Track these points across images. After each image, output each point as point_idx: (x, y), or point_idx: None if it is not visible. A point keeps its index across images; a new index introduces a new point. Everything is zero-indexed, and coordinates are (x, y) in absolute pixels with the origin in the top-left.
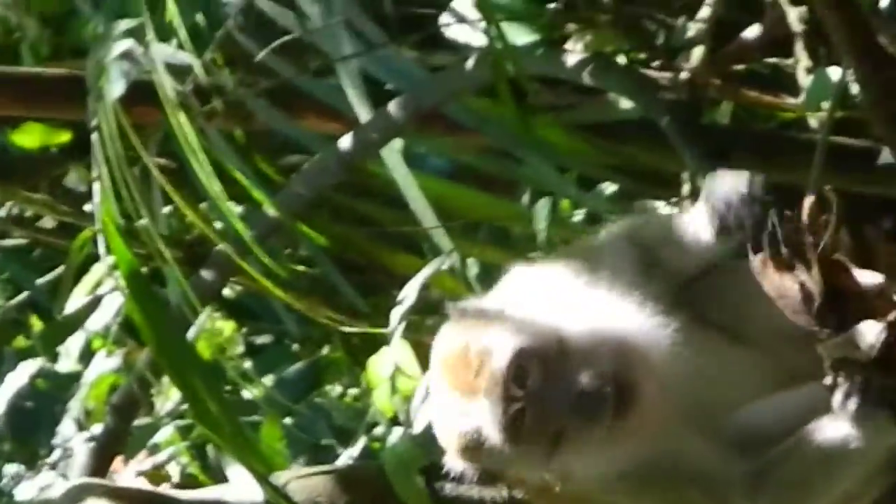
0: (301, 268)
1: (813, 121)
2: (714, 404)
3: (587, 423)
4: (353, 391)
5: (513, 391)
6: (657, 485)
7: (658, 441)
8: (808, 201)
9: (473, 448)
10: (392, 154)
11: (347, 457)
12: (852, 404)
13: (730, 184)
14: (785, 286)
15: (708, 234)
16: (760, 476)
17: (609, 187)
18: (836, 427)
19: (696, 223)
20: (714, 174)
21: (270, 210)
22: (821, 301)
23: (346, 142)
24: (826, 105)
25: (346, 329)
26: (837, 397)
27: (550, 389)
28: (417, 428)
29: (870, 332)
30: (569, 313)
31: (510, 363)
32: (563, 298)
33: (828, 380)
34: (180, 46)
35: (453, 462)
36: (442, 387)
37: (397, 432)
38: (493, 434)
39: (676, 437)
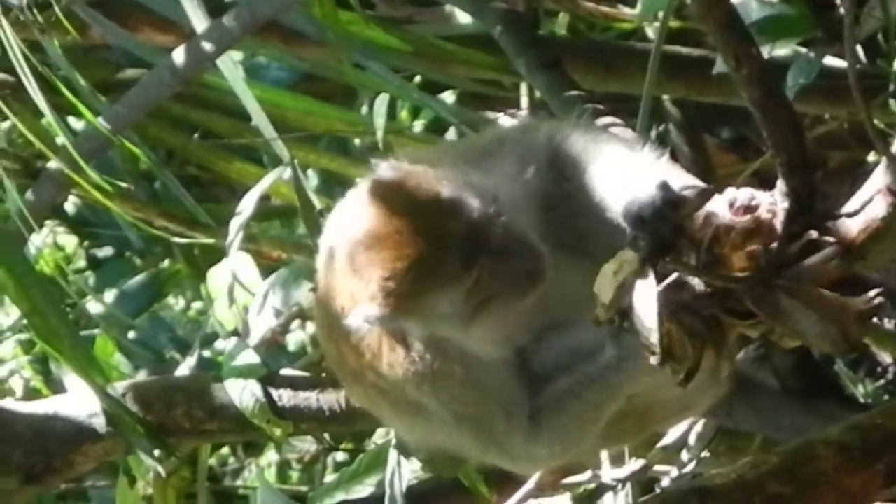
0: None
1: (650, 31)
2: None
3: None
4: (196, 305)
5: None
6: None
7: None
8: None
9: None
10: (229, 65)
11: (186, 367)
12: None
13: (645, 196)
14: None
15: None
16: (536, 421)
17: (449, 98)
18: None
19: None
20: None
21: (104, 123)
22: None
23: (180, 54)
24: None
25: (183, 241)
26: None
27: None
28: (254, 338)
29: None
30: None
31: None
32: None
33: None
34: None
35: None
36: None
37: (235, 342)
38: None
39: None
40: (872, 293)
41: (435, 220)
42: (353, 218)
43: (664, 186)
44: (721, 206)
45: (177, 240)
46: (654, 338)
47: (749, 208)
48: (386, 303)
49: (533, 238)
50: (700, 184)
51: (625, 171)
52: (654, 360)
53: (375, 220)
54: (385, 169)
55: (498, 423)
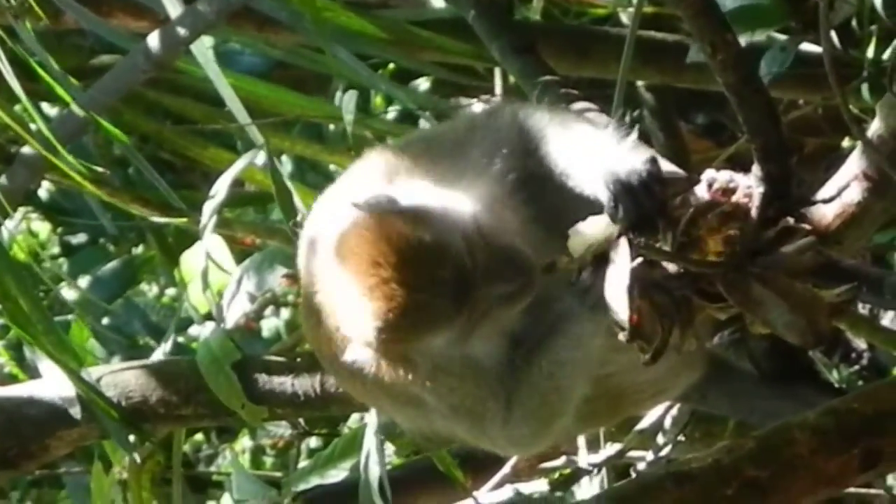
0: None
1: (625, 17)
2: None
3: None
4: (170, 291)
5: None
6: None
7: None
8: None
9: None
10: (203, 50)
11: (160, 353)
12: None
13: (631, 165)
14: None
15: (598, 194)
16: (508, 403)
17: (423, 84)
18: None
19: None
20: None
21: (78, 109)
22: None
23: (154, 39)
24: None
25: (157, 220)
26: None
27: None
28: (230, 322)
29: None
30: None
31: None
32: None
33: None
34: None
35: None
36: None
37: (210, 327)
38: None
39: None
40: (843, 288)
41: (422, 270)
42: (338, 255)
43: (654, 161)
44: (700, 187)
45: (153, 219)
46: (624, 314)
47: (727, 190)
48: (380, 347)
49: (518, 250)
50: (680, 171)
51: (597, 144)
52: (622, 336)
53: (362, 266)
54: (369, 205)
55: (487, 410)
